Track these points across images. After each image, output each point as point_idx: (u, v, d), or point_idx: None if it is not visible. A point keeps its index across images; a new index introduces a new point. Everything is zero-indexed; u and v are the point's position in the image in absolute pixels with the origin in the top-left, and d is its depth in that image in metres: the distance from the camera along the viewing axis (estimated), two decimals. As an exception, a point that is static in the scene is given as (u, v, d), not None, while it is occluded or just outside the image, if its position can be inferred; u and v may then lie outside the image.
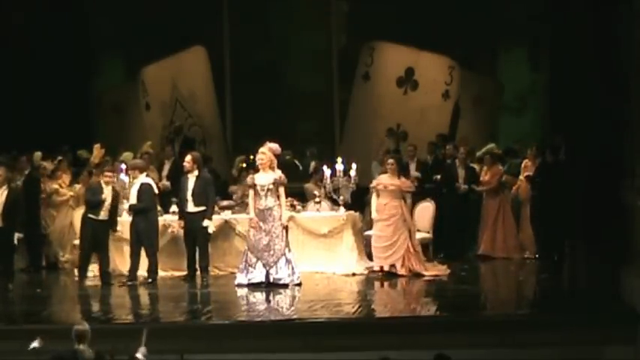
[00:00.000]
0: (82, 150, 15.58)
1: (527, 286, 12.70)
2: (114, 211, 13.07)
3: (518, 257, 14.37)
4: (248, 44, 18.48)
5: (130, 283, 12.91)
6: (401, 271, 12.86)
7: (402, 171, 13.60)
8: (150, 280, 12.95)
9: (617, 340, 9.76)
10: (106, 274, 13.11)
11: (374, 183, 13.29)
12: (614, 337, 9.77)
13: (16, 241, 12.99)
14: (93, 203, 12.95)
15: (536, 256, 14.20)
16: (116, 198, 13.09)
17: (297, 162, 15.76)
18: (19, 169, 14.53)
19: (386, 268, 12.99)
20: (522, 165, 14.76)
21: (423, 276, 12.82)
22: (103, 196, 12.89)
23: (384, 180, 13.16)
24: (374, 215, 13.23)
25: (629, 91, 10.96)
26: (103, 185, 13.00)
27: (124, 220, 13.56)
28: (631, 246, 10.85)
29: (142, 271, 13.18)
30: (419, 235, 13.67)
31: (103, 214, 12.95)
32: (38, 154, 15.02)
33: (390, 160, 13.27)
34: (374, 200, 13.31)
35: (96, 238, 12.97)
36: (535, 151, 14.53)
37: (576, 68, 12.15)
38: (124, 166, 13.77)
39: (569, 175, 13.12)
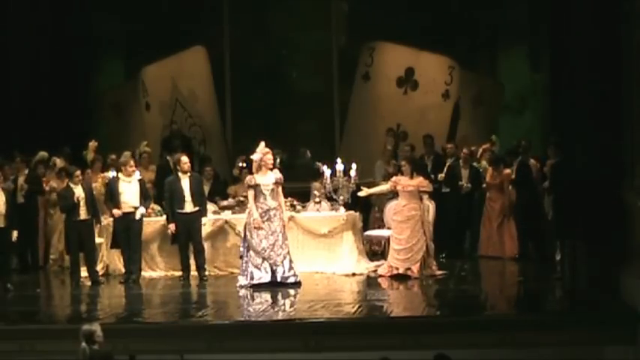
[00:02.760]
0: (85, 151, 15.59)
1: (527, 286, 12.69)
2: (93, 207, 13.07)
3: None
4: (248, 44, 18.47)
5: (130, 280, 13.01)
6: (416, 274, 12.70)
7: (420, 170, 13.46)
8: (134, 278, 13.02)
9: (617, 340, 9.76)
10: (95, 273, 13.12)
11: (393, 179, 13.16)
12: (614, 337, 9.77)
13: (14, 238, 12.97)
14: (67, 207, 12.96)
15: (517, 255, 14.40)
16: (90, 194, 13.10)
17: (280, 159, 15.74)
18: (16, 170, 14.52)
19: (401, 271, 12.76)
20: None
21: (435, 276, 12.82)
22: (75, 196, 12.89)
23: (403, 181, 12.99)
24: (371, 189, 13.46)
25: (629, 91, 10.95)
26: (72, 186, 12.99)
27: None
28: (631, 246, 10.84)
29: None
30: (388, 233, 13.71)
31: (83, 214, 12.96)
32: (44, 154, 15.03)
33: (403, 162, 13.23)
34: (380, 188, 13.43)
35: (81, 238, 12.98)
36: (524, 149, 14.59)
37: (576, 68, 12.13)
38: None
39: (569, 175, 13.10)
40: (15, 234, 12.92)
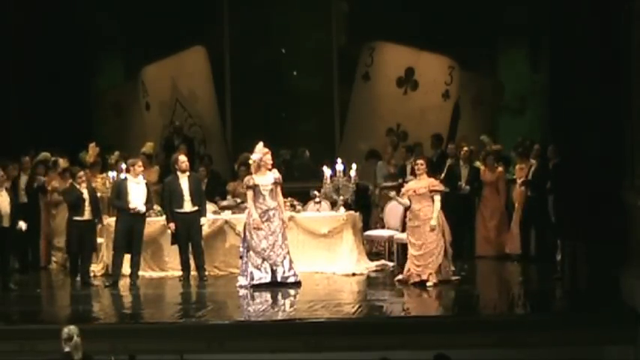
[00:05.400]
0: (82, 152, 15.58)
1: (527, 286, 12.69)
2: (96, 208, 13.08)
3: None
4: (248, 44, 18.47)
5: (114, 282, 12.96)
6: (436, 280, 12.15)
7: (432, 172, 12.87)
8: (134, 281, 12.99)
9: (617, 340, 9.76)
10: (87, 274, 13.11)
11: (404, 190, 12.56)
12: (614, 337, 9.78)
13: (24, 228, 12.92)
14: (72, 202, 12.91)
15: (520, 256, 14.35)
16: (94, 195, 13.13)
17: (284, 159, 15.77)
18: (23, 169, 14.52)
19: (424, 277, 12.16)
20: (517, 167, 14.79)
21: (451, 281, 12.37)
22: (80, 195, 12.89)
23: (413, 185, 12.47)
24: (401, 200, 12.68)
25: (629, 91, 10.95)
26: (77, 186, 12.98)
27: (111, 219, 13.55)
28: (631, 246, 10.84)
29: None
30: (388, 233, 13.82)
31: (87, 214, 12.96)
32: (46, 155, 15.06)
33: (420, 161, 12.55)
34: (400, 201, 12.73)
35: (83, 239, 12.98)
36: (537, 152, 14.54)
37: (576, 68, 12.14)
38: (124, 166, 13.81)
39: (569, 176, 13.12)
40: (23, 225, 12.86)
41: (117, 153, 15.36)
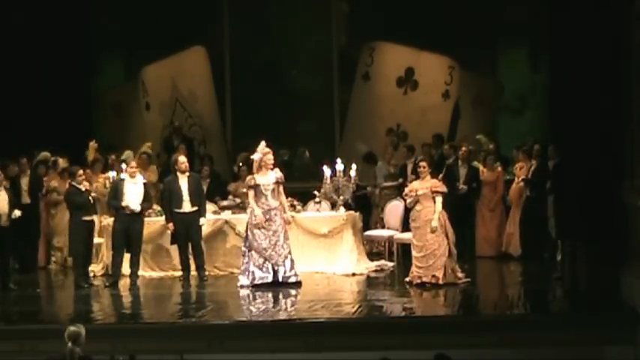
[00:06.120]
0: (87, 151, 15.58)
1: (527, 286, 12.68)
2: (94, 209, 13.09)
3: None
4: (248, 44, 18.47)
5: (114, 282, 12.94)
6: (441, 281, 12.04)
7: (433, 172, 12.72)
8: (134, 281, 12.97)
9: (617, 340, 9.77)
10: (87, 275, 13.10)
11: (407, 191, 12.46)
12: (614, 337, 9.78)
13: (18, 214, 12.85)
14: (81, 204, 12.85)
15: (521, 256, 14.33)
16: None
17: (282, 159, 15.80)
18: (22, 170, 14.51)
19: (426, 280, 12.08)
20: (517, 167, 14.78)
21: (458, 284, 12.20)
22: (90, 196, 12.90)
23: (416, 185, 12.37)
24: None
25: (629, 92, 10.96)
26: (79, 186, 12.93)
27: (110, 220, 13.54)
28: (631, 246, 10.85)
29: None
30: (388, 233, 13.78)
31: (93, 214, 12.96)
32: (46, 154, 15.06)
33: (422, 163, 12.42)
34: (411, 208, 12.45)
35: (89, 239, 12.98)
36: (537, 152, 14.54)
37: (576, 68, 12.15)
38: (124, 165, 13.80)
39: (569, 176, 13.13)
40: (18, 212, 12.79)
41: (128, 152, 15.34)
